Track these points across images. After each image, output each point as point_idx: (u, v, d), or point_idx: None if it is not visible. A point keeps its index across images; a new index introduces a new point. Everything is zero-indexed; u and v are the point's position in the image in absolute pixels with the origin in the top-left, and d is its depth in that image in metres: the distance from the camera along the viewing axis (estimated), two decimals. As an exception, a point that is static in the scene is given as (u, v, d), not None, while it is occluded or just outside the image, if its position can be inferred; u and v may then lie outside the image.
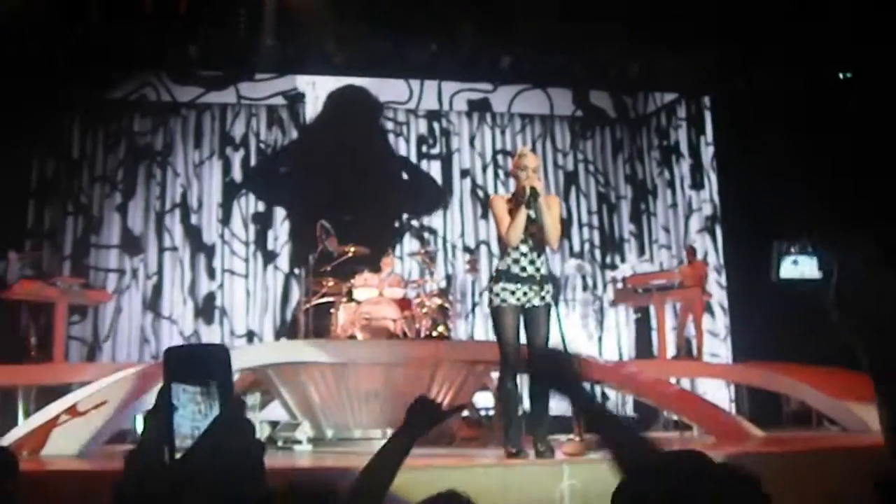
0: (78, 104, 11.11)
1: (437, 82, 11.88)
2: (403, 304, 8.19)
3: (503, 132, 12.41)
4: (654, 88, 12.16)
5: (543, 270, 5.27)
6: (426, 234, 11.82)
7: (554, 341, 5.22)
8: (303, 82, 11.62)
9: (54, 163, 11.06)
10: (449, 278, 11.20)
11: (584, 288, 11.94)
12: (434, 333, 8.07)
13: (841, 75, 9.73)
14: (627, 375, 8.34)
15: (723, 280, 11.20)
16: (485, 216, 11.83)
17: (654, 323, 10.78)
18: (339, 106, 11.66)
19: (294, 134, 11.84)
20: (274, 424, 7.46)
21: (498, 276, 5.29)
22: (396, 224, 11.81)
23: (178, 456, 1.11)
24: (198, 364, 1.15)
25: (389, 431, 2.32)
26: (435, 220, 12.00)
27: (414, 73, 11.42)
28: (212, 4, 9.19)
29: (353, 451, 6.42)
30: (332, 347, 7.40)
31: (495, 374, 8.19)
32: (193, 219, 11.42)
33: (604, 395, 10.85)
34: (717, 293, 11.10)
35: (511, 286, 5.20)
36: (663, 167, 12.38)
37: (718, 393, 10.18)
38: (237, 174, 11.64)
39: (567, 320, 8.77)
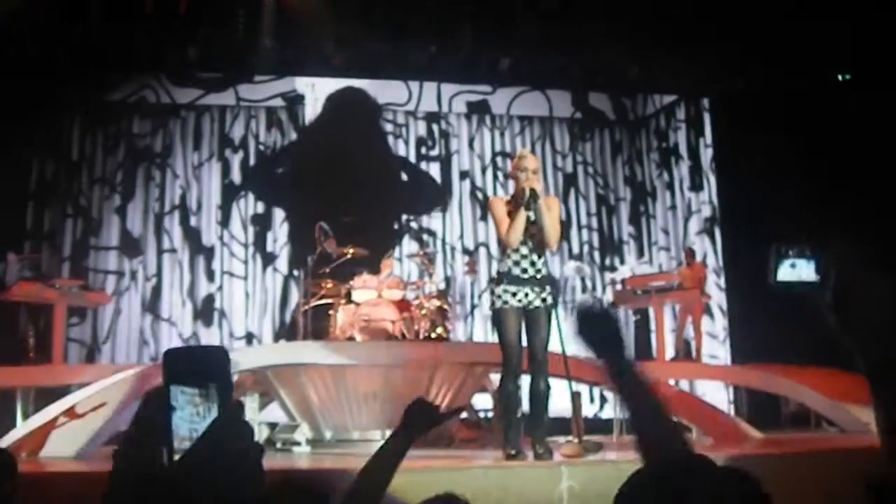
0: (77, 106, 11.11)
1: (436, 84, 11.88)
2: (402, 305, 8.19)
3: (502, 134, 12.41)
4: (653, 90, 12.17)
5: (544, 272, 5.28)
6: (425, 236, 11.83)
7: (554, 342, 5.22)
8: (302, 84, 11.62)
9: (54, 165, 11.07)
10: (448, 280, 11.19)
11: (584, 290, 11.94)
12: (433, 335, 8.06)
13: (840, 77, 9.74)
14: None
15: (722, 282, 11.20)
16: (484, 218, 11.83)
17: (653, 325, 10.78)
18: (339, 108, 11.66)
19: (293, 136, 11.84)
20: (273, 426, 7.46)
21: (499, 279, 5.29)
22: (395, 226, 11.81)
23: (175, 458, 1.10)
24: (196, 366, 1.14)
25: (388, 433, 2.32)
26: (434, 221, 12.01)
27: (413, 74, 11.43)
28: (211, 5, 9.20)
29: (351, 452, 6.42)
30: (330, 349, 7.39)
31: (494, 376, 8.20)
32: (192, 221, 11.42)
33: (602, 397, 10.86)
34: (717, 295, 11.11)
35: (512, 288, 5.20)
36: (662, 169, 12.39)
37: (717, 394, 10.18)
38: (236, 176, 11.64)
39: (566, 322, 8.76)
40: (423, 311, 8.17)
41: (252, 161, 11.73)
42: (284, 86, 11.59)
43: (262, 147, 11.79)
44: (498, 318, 5.25)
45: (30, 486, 3.91)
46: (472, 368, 7.65)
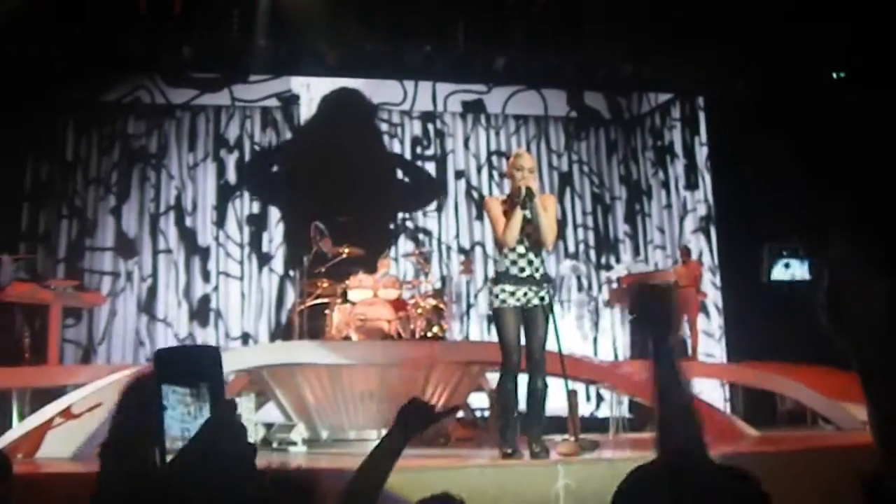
0: (72, 107, 11.09)
1: (431, 83, 11.88)
2: (398, 304, 8.19)
3: (497, 133, 12.41)
4: (648, 89, 12.18)
5: (542, 270, 5.28)
6: (421, 236, 11.82)
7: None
8: (297, 84, 11.61)
9: (48, 166, 11.05)
10: (444, 279, 11.20)
11: (580, 289, 11.95)
12: (429, 334, 8.06)
13: (834, 75, 9.76)
14: (623, 375, 8.34)
15: (717, 280, 11.22)
16: (479, 217, 11.83)
17: (649, 323, 10.77)
18: (334, 107, 11.66)
19: (288, 136, 11.83)
20: (269, 426, 7.45)
21: (497, 278, 5.28)
22: (391, 225, 11.81)
23: (168, 458, 1.10)
24: (188, 365, 1.14)
25: (384, 432, 2.32)
26: (430, 221, 12.01)
27: (408, 74, 11.42)
28: (205, 5, 9.19)
29: (348, 452, 6.42)
30: (326, 348, 7.39)
31: (490, 375, 8.21)
32: (188, 221, 11.41)
33: (599, 396, 10.87)
34: (712, 293, 11.12)
35: (510, 287, 5.20)
36: (658, 168, 12.40)
37: (713, 392, 10.19)
38: (231, 176, 11.64)
39: (562, 321, 8.77)
40: (419, 311, 8.17)
41: (247, 161, 11.71)
42: (279, 86, 11.59)
43: (257, 147, 11.78)
44: (497, 317, 5.24)
45: (26, 487, 3.90)
46: (468, 367, 7.65)
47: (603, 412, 10.48)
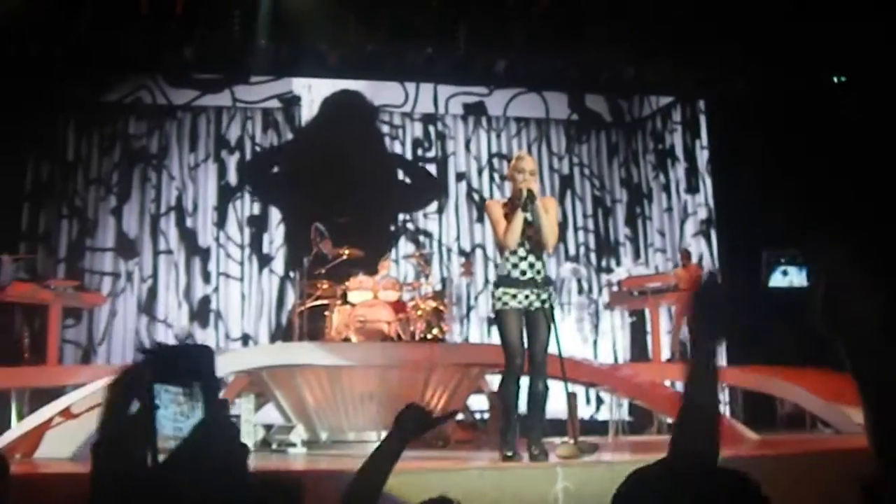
0: (73, 107, 11.09)
1: (432, 86, 11.89)
2: (398, 306, 8.18)
3: (499, 136, 12.42)
4: (649, 91, 12.18)
5: (543, 273, 5.27)
6: (421, 237, 11.82)
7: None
8: (298, 85, 11.62)
9: (49, 166, 11.05)
10: (444, 281, 11.19)
11: (580, 291, 11.95)
12: (429, 336, 8.06)
13: (835, 79, 9.76)
14: (623, 378, 8.34)
15: (718, 283, 11.19)
16: (480, 220, 11.84)
17: (648, 326, 10.78)
18: (335, 109, 11.66)
19: (289, 137, 11.83)
20: (268, 427, 7.45)
21: (499, 282, 5.27)
22: (392, 227, 11.81)
23: (160, 457, 1.10)
24: (181, 364, 1.14)
25: (384, 434, 2.32)
26: (430, 223, 12.01)
27: (410, 76, 11.43)
28: (207, 6, 9.19)
29: (347, 453, 6.41)
30: (326, 350, 7.38)
31: (489, 377, 8.21)
32: (188, 222, 11.41)
33: (598, 399, 10.86)
34: (712, 296, 11.10)
35: (512, 290, 5.19)
36: (658, 171, 12.40)
37: (713, 396, 10.16)
38: (232, 177, 11.64)
39: (563, 323, 8.77)
40: (419, 313, 8.17)
41: (248, 162, 11.71)
42: (281, 87, 11.59)
43: (258, 148, 11.78)
44: (500, 320, 5.23)
45: (24, 487, 3.90)
46: (468, 370, 7.65)
47: (602, 415, 10.47)
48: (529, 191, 5.17)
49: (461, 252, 11.88)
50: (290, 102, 11.72)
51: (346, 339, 7.89)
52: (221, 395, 8.18)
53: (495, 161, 12.29)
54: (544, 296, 5.21)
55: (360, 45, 10.04)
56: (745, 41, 9.17)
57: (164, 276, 11.19)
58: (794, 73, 9.49)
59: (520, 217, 5.18)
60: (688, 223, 11.85)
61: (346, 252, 8.79)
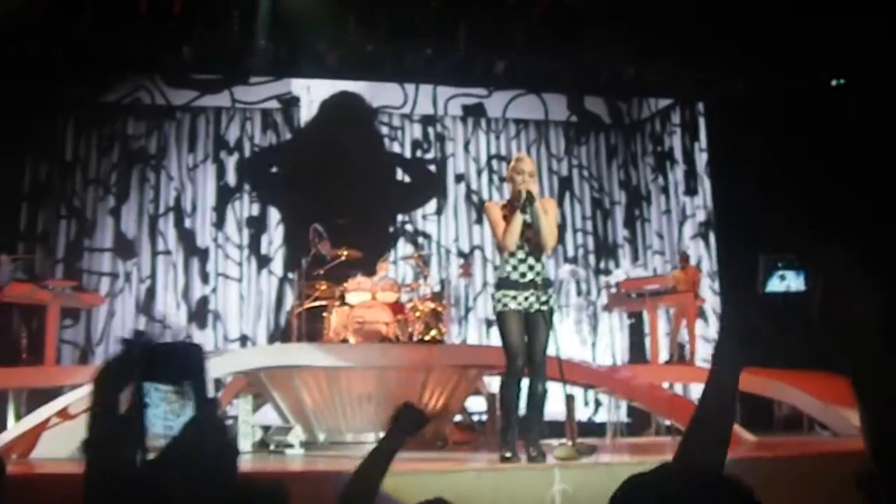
0: (72, 107, 11.08)
1: (431, 87, 11.89)
2: (396, 307, 8.18)
3: (498, 137, 12.42)
4: (649, 93, 12.19)
5: (543, 275, 5.27)
6: (420, 239, 11.82)
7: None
8: (297, 86, 11.61)
9: (47, 166, 11.04)
10: (442, 283, 11.20)
11: (578, 293, 11.95)
12: (427, 337, 8.06)
13: (834, 82, 9.76)
14: (621, 380, 8.33)
15: (716, 286, 11.21)
16: (479, 221, 11.84)
17: (647, 328, 10.78)
18: (334, 110, 11.66)
19: (288, 137, 11.83)
20: (266, 428, 7.45)
21: (499, 284, 5.27)
22: (390, 228, 11.81)
23: (150, 456, 1.09)
24: (171, 363, 1.13)
25: (382, 435, 2.33)
26: (429, 224, 12.01)
27: (409, 77, 11.43)
28: (205, 6, 9.19)
29: (345, 454, 6.41)
30: (324, 351, 7.38)
31: (487, 379, 8.21)
32: (187, 222, 11.40)
33: (596, 400, 10.86)
34: (710, 298, 11.11)
35: (512, 292, 5.19)
36: (657, 173, 12.41)
37: (711, 398, 10.15)
38: (231, 178, 11.63)
39: (561, 325, 8.78)
40: (418, 314, 8.17)
41: (247, 163, 11.71)
42: (280, 88, 11.59)
43: (257, 149, 11.77)
44: (500, 321, 5.23)
45: (21, 487, 3.89)
46: (466, 371, 7.65)
47: (600, 417, 10.47)
48: (529, 192, 5.17)
49: (460, 253, 11.88)
50: (290, 103, 11.72)
51: (345, 341, 7.89)
52: (219, 395, 8.19)
53: (494, 163, 12.29)
54: (544, 298, 5.21)
55: (360, 46, 10.04)
56: (745, 41, 9.17)
57: (163, 276, 11.18)
58: (794, 74, 9.49)
59: (519, 219, 5.18)
60: (686, 225, 11.86)
61: (345, 253, 8.79)
